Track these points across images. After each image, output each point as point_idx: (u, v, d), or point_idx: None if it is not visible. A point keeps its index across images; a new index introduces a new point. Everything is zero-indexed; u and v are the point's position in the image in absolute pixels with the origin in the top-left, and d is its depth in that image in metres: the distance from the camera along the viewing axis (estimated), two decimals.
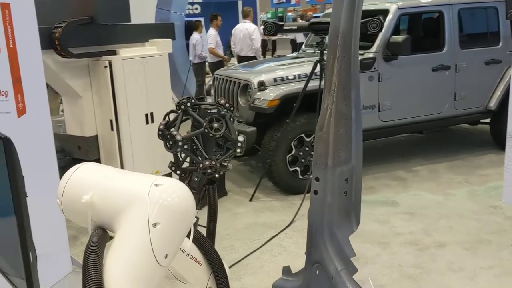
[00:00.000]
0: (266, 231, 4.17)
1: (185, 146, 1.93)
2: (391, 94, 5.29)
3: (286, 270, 1.87)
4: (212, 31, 9.32)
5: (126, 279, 1.07)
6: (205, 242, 1.65)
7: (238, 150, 1.89)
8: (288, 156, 4.86)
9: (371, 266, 3.53)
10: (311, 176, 4.80)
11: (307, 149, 4.87)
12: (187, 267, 1.66)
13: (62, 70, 3.96)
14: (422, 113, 5.51)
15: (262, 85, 4.80)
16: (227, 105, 1.91)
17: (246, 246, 3.90)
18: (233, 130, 1.91)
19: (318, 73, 4.60)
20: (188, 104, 1.94)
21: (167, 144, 1.90)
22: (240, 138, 1.87)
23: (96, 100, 4.12)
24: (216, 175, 1.96)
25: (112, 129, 4.07)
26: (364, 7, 6.32)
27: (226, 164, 1.91)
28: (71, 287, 3.43)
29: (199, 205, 1.93)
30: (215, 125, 1.84)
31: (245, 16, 9.30)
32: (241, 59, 8.96)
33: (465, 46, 5.58)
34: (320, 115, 1.69)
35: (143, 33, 4.50)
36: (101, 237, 1.14)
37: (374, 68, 5.18)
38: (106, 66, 3.96)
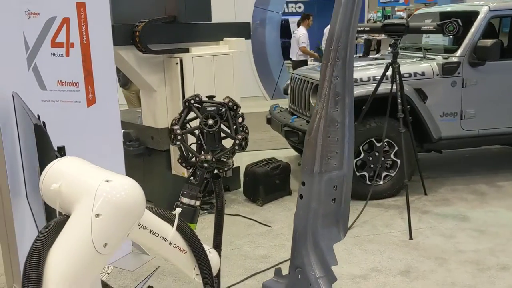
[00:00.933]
0: None
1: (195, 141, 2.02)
2: (475, 102, 4.94)
3: (278, 272, 1.88)
4: (304, 30, 9.35)
5: (64, 260, 1.19)
6: (189, 231, 1.72)
7: (236, 148, 1.94)
8: (356, 160, 4.76)
9: (421, 281, 3.36)
10: (378, 183, 4.71)
11: (377, 154, 4.73)
12: (172, 255, 1.75)
13: (141, 65, 4.25)
14: (510, 124, 5.07)
15: None
16: (230, 104, 1.98)
17: None
18: (234, 128, 1.96)
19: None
20: (192, 101, 2.03)
21: (170, 137, 2.01)
22: (239, 136, 1.93)
23: (168, 95, 4.38)
24: (221, 171, 2.03)
25: None
26: (453, 9, 5.98)
27: (224, 160, 1.97)
28: (129, 265, 3.70)
29: (200, 197, 2.02)
30: (210, 121, 1.92)
31: None
32: None
33: None
34: (310, 120, 1.68)
35: (217, 32, 4.67)
36: (59, 221, 1.26)
37: (458, 73, 4.87)
38: (177, 63, 4.19)
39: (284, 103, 6.11)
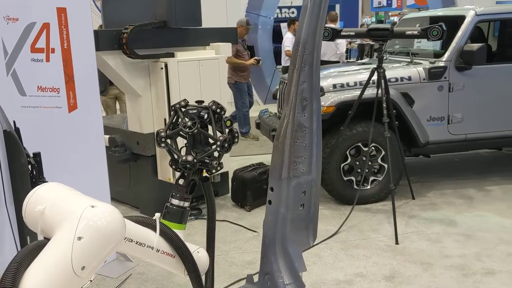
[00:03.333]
0: None
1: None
2: (462, 106, 4.94)
3: (249, 279, 1.86)
4: (289, 35, 9.37)
5: (41, 279, 1.20)
6: (171, 234, 1.74)
7: (218, 149, 1.96)
8: (343, 165, 4.75)
9: (405, 286, 3.34)
10: (365, 187, 4.69)
11: (364, 158, 4.72)
12: (160, 261, 1.79)
13: (126, 70, 4.23)
14: (498, 128, 5.07)
15: (320, 91, 4.74)
16: (213, 107, 2.00)
17: None
18: (216, 130, 1.99)
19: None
20: (178, 105, 2.05)
21: (156, 140, 2.04)
22: (220, 138, 1.95)
23: (154, 100, 4.35)
24: (209, 173, 2.05)
25: None
26: (441, 13, 6.00)
27: (208, 161, 1.99)
28: (113, 272, 3.67)
29: (188, 199, 2.05)
30: (189, 123, 1.95)
31: (332, 21, 9.21)
32: (323, 63, 8.87)
33: None
34: (278, 125, 1.67)
35: (204, 37, 4.66)
36: (39, 244, 1.27)
37: (445, 78, 4.87)
38: (162, 68, 4.17)
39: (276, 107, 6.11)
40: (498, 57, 5.96)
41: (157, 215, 1.83)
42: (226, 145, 1.97)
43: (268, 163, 5.35)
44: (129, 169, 4.67)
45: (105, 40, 4.01)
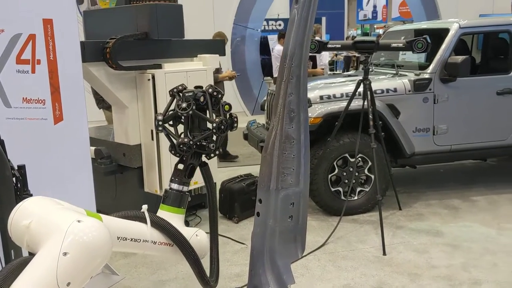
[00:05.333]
0: None
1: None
2: (447, 117, 5.00)
3: None
4: (280, 47, 9.43)
5: None
6: (162, 223, 1.74)
7: (214, 131, 1.98)
8: (330, 176, 4.76)
9: None
10: (353, 198, 4.71)
11: (351, 169, 4.74)
12: (159, 252, 1.78)
13: (112, 82, 4.21)
14: (482, 139, 5.13)
15: (308, 102, 4.76)
16: (210, 90, 2.03)
17: None
18: (212, 113, 2.01)
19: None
20: (175, 89, 2.08)
21: (155, 125, 2.06)
22: (216, 120, 1.97)
23: (140, 111, 4.34)
24: (207, 158, 2.07)
25: (152, 138, 4.25)
26: (426, 26, 6.08)
27: (205, 144, 2.01)
28: (98, 287, 3.62)
29: (187, 183, 2.07)
30: (183, 105, 1.97)
31: (315, 33, 9.30)
32: None
33: None
34: (266, 136, 1.68)
35: (191, 49, 4.66)
36: (24, 260, 1.25)
37: (430, 89, 4.93)
38: (149, 79, 4.16)
39: (264, 119, 6.12)
40: (481, 69, 6.05)
41: (145, 206, 1.82)
42: (222, 127, 1.99)
43: (256, 174, 5.35)
44: (115, 181, 4.63)
45: (91, 51, 3.99)
